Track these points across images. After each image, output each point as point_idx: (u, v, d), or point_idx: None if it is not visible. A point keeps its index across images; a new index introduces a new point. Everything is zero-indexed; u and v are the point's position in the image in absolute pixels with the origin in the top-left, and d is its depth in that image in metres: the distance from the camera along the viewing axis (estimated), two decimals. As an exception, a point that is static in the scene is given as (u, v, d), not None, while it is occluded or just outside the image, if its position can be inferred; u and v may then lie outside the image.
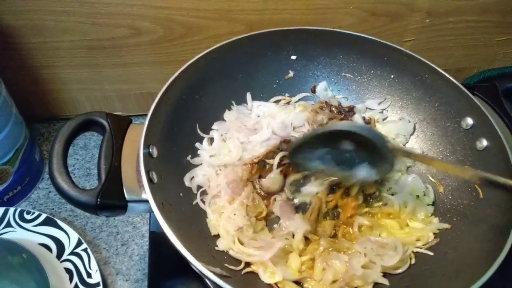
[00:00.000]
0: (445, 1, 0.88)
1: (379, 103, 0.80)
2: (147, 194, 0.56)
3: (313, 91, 0.82)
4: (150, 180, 0.58)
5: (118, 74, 0.91)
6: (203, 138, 0.74)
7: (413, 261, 0.64)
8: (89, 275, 0.72)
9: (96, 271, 0.72)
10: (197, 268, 0.52)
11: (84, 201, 0.55)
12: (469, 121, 0.70)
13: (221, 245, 0.63)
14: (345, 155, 0.64)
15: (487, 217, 0.63)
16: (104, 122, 0.62)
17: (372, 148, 0.61)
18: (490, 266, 0.53)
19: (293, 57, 0.81)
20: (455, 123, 0.72)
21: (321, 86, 0.82)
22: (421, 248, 0.65)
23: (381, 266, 0.62)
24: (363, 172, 0.64)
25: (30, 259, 0.68)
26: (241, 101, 0.80)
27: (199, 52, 0.74)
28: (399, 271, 0.64)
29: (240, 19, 0.85)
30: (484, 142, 0.67)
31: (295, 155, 0.67)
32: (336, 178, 0.69)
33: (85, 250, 0.74)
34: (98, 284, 0.71)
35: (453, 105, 0.72)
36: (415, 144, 0.77)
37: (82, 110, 0.97)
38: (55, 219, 0.77)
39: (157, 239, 0.74)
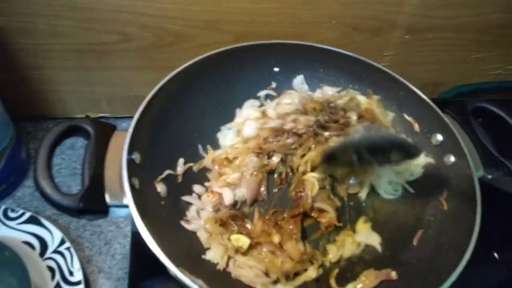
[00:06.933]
0: (423, 18, 0.92)
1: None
2: (127, 199, 0.59)
3: None
4: (131, 186, 0.60)
5: (107, 77, 0.93)
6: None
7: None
8: (71, 274, 0.74)
9: (78, 269, 0.74)
10: (174, 274, 0.55)
11: (66, 205, 0.57)
12: (439, 137, 0.74)
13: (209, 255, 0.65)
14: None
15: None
16: (89, 128, 0.64)
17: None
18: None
19: (276, 69, 0.84)
20: (426, 139, 0.76)
21: (298, 80, 0.83)
22: None
23: None
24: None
25: (12, 257, 0.69)
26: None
27: (187, 59, 0.77)
28: None
29: (227, 30, 0.88)
30: (452, 159, 0.71)
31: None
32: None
33: (68, 248, 0.76)
34: (79, 282, 0.73)
35: (425, 121, 0.76)
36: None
37: (71, 111, 0.99)
38: (39, 217, 0.79)
39: (139, 240, 0.74)
